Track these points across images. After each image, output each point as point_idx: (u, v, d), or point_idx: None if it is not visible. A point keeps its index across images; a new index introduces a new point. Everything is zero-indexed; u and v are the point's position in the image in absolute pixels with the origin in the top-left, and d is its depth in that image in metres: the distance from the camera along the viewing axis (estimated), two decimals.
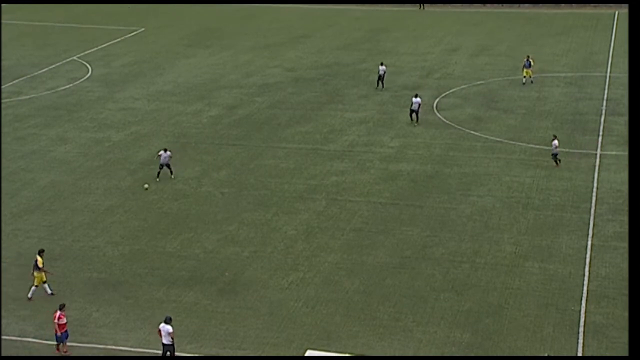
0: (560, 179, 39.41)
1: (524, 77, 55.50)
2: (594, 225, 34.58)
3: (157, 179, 40.45)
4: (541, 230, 34.40)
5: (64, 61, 65.84)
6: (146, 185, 39.63)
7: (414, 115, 48.24)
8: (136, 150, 45.27)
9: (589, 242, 33.19)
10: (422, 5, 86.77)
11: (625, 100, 50.95)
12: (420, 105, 48.27)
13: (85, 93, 56.77)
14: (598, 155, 42.20)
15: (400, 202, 37.81)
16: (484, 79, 57.77)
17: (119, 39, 73.37)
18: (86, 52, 68.48)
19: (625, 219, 34.93)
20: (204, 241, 34.49)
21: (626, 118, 47.56)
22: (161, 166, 40.60)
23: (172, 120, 50.39)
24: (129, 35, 75.20)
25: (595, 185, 38.57)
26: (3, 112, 51.94)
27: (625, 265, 31.13)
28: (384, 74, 55.81)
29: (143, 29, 77.57)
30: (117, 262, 32.68)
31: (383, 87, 55.77)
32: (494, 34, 72.86)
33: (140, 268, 32.30)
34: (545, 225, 34.82)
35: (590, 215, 35.54)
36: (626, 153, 41.93)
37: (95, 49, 69.84)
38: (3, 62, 64.29)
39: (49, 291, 30.01)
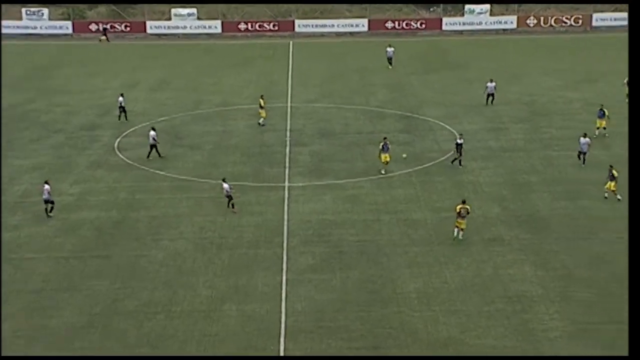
0: (252, 214, 38.87)
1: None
2: (287, 259, 34.33)
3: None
4: (236, 270, 33.42)
5: None
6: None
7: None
8: None
9: (284, 277, 32.80)
10: (102, 38, 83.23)
11: (308, 130, 52.32)
12: None
13: None
14: (286, 188, 42.43)
15: (84, 254, 34.78)
16: (167, 115, 56.24)
17: None
18: None
19: (316, 250, 35.11)
20: None
21: (309, 148, 48.71)
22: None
23: None
24: None
25: (286, 217, 38.55)
26: None
27: (319, 297, 31.17)
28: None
29: None
30: None
31: (124, 119, 53.85)
32: (172, 67, 71.82)
33: None
34: (240, 264, 33.92)
35: (283, 249, 35.29)
36: (312, 183, 42.82)
37: None
38: None
39: None
